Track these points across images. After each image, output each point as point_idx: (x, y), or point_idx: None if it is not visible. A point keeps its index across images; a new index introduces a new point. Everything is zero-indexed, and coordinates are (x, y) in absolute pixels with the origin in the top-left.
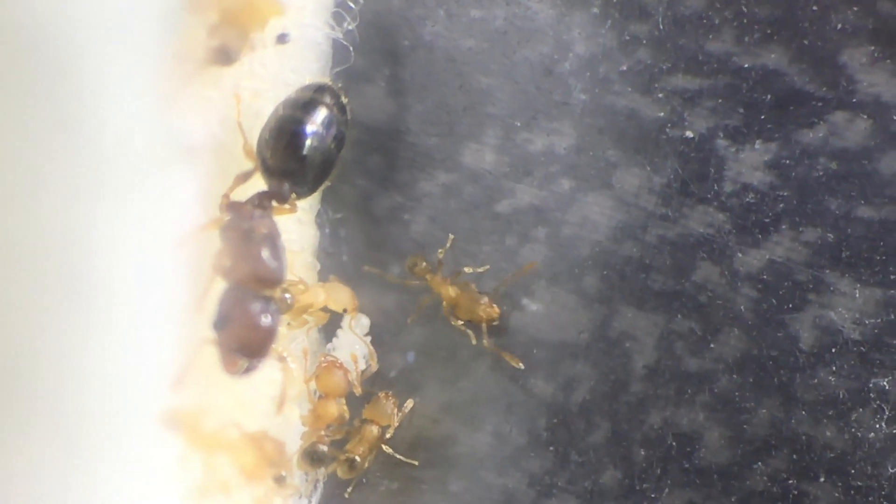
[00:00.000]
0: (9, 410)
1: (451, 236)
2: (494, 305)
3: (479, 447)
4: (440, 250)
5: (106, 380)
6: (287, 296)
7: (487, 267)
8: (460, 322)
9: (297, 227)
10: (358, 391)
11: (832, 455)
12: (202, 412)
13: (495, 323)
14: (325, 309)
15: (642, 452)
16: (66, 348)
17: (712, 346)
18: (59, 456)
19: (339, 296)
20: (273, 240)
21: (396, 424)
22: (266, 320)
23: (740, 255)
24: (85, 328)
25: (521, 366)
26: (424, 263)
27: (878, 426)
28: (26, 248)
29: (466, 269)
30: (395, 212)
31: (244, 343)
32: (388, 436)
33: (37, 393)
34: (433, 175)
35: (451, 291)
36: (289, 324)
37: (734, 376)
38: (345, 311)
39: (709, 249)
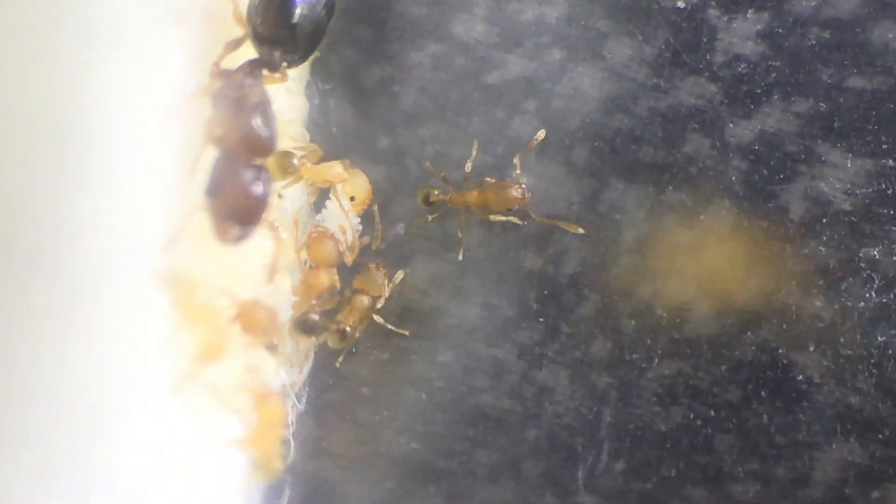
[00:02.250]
0: (7, 268)
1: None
2: (523, 184)
3: (469, 319)
4: (442, 175)
5: (99, 239)
6: (295, 161)
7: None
8: (500, 217)
9: (287, 97)
10: (349, 261)
11: (821, 325)
12: (195, 281)
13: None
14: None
15: (632, 323)
16: (61, 204)
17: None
18: (56, 314)
19: (356, 181)
20: (265, 108)
21: (387, 295)
22: (258, 188)
23: (731, 126)
24: (79, 187)
25: (581, 230)
26: (436, 190)
27: (867, 295)
28: (18, 115)
29: (467, 169)
30: (384, 83)
31: (236, 210)
32: (378, 306)
33: (35, 247)
34: (423, 46)
35: (476, 196)
36: (279, 195)
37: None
38: (352, 198)
39: (700, 121)
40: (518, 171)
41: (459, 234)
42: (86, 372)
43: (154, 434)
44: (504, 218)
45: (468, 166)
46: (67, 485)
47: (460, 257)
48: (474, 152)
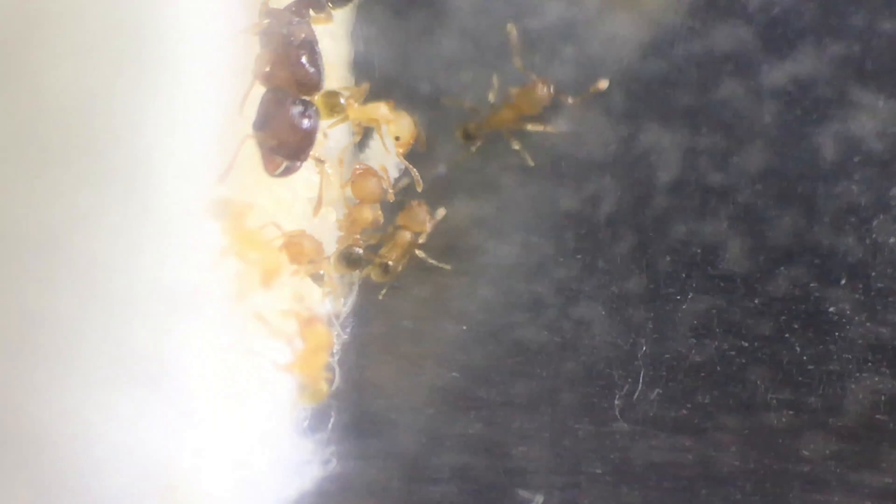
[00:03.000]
0: (88, 185)
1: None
2: (544, 79)
3: (508, 256)
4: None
5: (162, 166)
6: (342, 100)
7: None
8: (539, 127)
9: (332, 42)
10: (391, 198)
11: (853, 260)
12: (244, 209)
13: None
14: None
15: (667, 259)
16: (131, 129)
17: (736, 159)
18: (129, 227)
19: (401, 122)
20: (311, 46)
21: (428, 231)
22: (304, 123)
23: (766, 69)
24: (144, 115)
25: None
26: (472, 124)
27: None
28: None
29: (491, 97)
30: (426, 29)
31: (283, 144)
32: (420, 242)
33: (110, 168)
34: None
35: (507, 110)
36: (324, 133)
37: (757, 188)
38: (397, 138)
39: (734, 65)
40: (534, 75)
41: (514, 146)
42: (152, 278)
43: (209, 348)
44: (542, 128)
45: (492, 94)
46: (132, 376)
47: (530, 162)
48: (495, 84)
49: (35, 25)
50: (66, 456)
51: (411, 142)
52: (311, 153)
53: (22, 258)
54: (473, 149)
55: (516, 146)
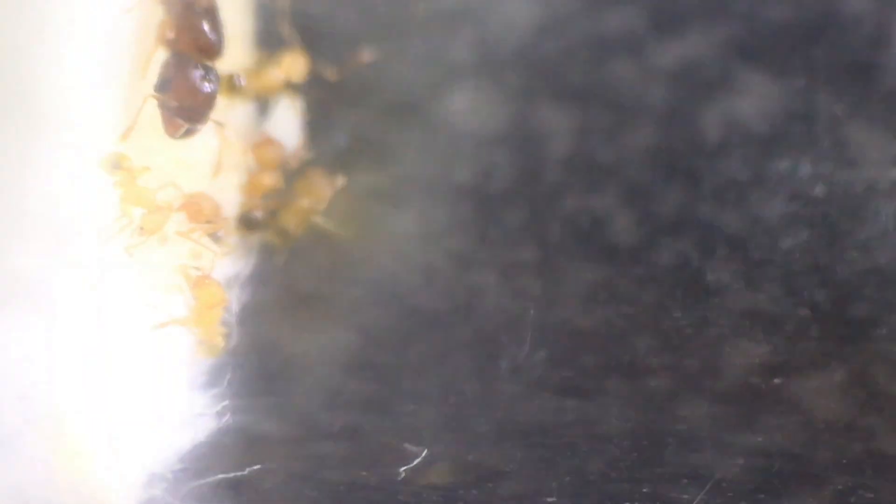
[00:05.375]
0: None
1: None
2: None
3: (405, 226)
4: None
5: (63, 127)
6: (240, 80)
7: None
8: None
9: (234, 14)
10: (292, 166)
11: (731, 232)
12: (138, 167)
13: None
14: None
15: (558, 230)
16: (39, 85)
17: (625, 138)
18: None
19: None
20: (213, 13)
21: (327, 199)
22: (206, 86)
23: (654, 48)
24: (48, 73)
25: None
26: None
27: (775, 206)
28: None
29: None
30: (326, 7)
31: (184, 107)
32: (318, 209)
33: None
34: None
35: None
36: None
37: (644, 164)
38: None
39: (625, 45)
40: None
41: None
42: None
43: (109, 299)
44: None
45: None
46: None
47: None
48: None
49: None
50: None
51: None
52: (211, 116)
53: None
54: None
55: None
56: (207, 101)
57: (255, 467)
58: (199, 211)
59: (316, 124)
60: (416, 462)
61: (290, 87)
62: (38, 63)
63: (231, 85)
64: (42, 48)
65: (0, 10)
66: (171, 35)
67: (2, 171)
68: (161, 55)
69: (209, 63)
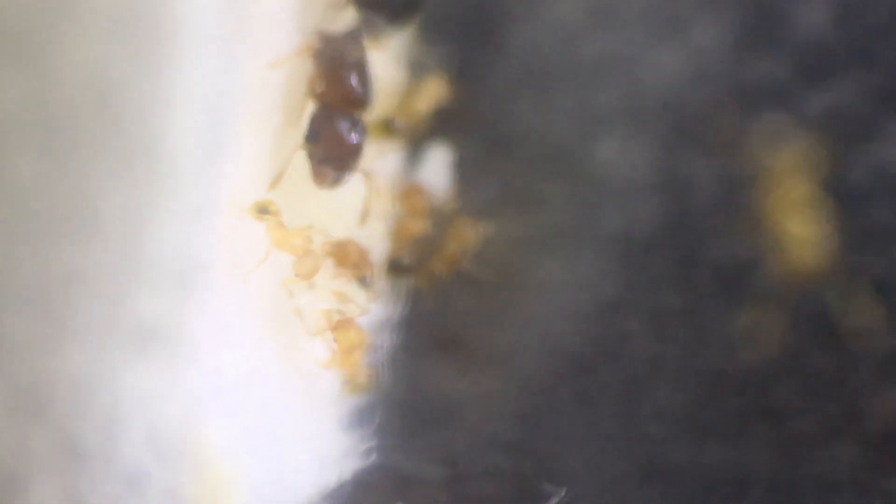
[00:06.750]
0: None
1: None
2: None
3: (553, 272)
4: None
5: (219, 178)
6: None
7: None
8: None
9: (385, 70)
10: (441, 213)
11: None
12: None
13: None
14: None
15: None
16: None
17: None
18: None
19: None
20: (362, 67)
21: (475, 245)
22: (353, 138)
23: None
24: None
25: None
26: None
27: None
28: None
29: None
30: (480, 61)
31: (332, 157)
32: (467, 254)
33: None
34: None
35: None
36: None
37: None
38: None
39: (772, 94)
40: None
41: None
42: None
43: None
44: None
45: None
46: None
47: None
48: None
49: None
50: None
51: None
52: (360, 166)
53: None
54: None
55: None
56: (354, 152)
57: None
58: (346, 256)
59: (466, 172)
60: (555, 502)
61: (441, 132)
62: (176, 113)
63: (386, 128)
64: (176, 102)
65: (145, 62)
66: (320, 88)
67: (138, 219)
68: (310, 107)
69: (357, 115)
